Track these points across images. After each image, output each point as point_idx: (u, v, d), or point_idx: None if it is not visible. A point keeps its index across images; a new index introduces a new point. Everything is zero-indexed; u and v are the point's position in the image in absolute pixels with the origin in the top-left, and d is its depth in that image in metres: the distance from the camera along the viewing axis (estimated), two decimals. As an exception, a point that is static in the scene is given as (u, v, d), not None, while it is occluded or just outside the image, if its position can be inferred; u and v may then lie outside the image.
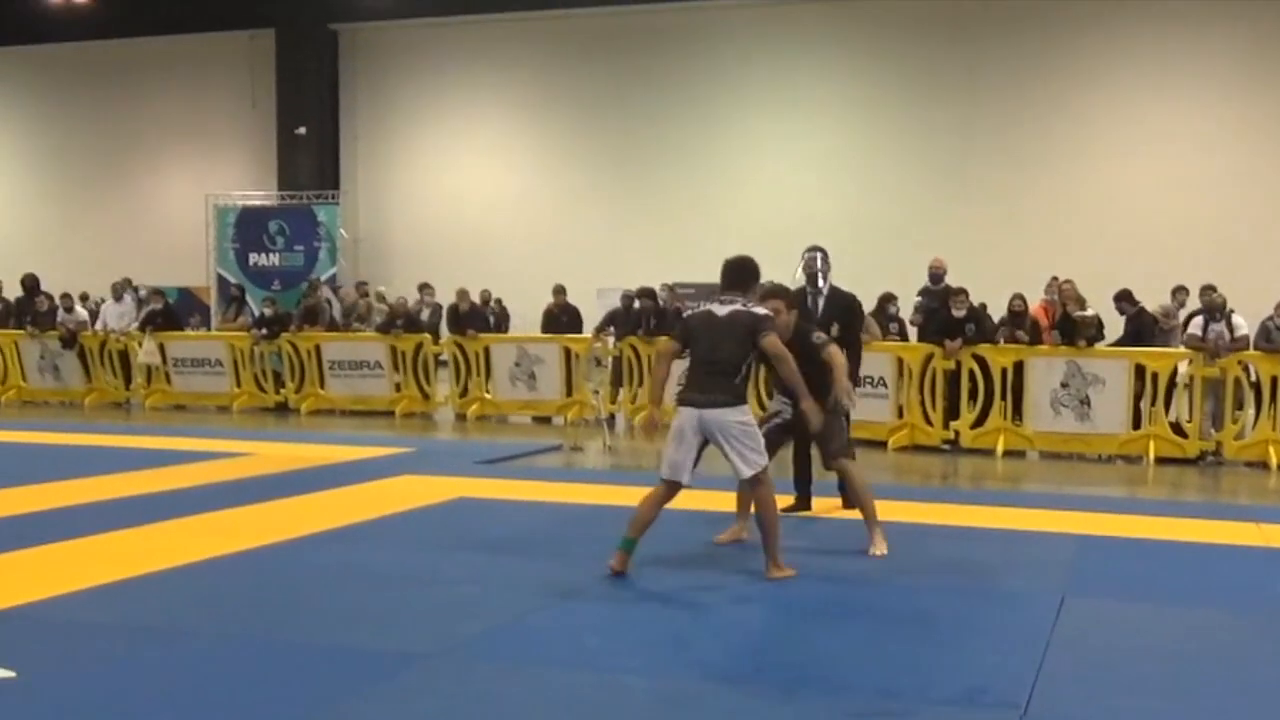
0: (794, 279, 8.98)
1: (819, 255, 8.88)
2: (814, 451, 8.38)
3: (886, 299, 14.26)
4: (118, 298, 18.16)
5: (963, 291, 13.16)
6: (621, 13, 23.80)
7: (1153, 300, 13.77)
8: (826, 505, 8.89)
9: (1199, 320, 12.71)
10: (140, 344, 17.15)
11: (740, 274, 6.82)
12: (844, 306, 8.78)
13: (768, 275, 15.47)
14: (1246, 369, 12.40)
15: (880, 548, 7.23)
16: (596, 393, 14.32)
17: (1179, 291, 13.91)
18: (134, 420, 16.21)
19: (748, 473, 6.56)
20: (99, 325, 17.91)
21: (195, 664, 5.00)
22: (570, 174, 24.31)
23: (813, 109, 23.01)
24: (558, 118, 24.44)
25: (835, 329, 8.47)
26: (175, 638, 5.36)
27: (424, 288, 17.77)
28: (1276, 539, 7.96)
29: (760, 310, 6.72)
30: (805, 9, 22.76)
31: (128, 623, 5.60)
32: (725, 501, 7.71)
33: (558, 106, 24.42)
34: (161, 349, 17.18)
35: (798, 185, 22.80)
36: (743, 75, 23.23)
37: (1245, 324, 12.64)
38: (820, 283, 8.80)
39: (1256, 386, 12.33)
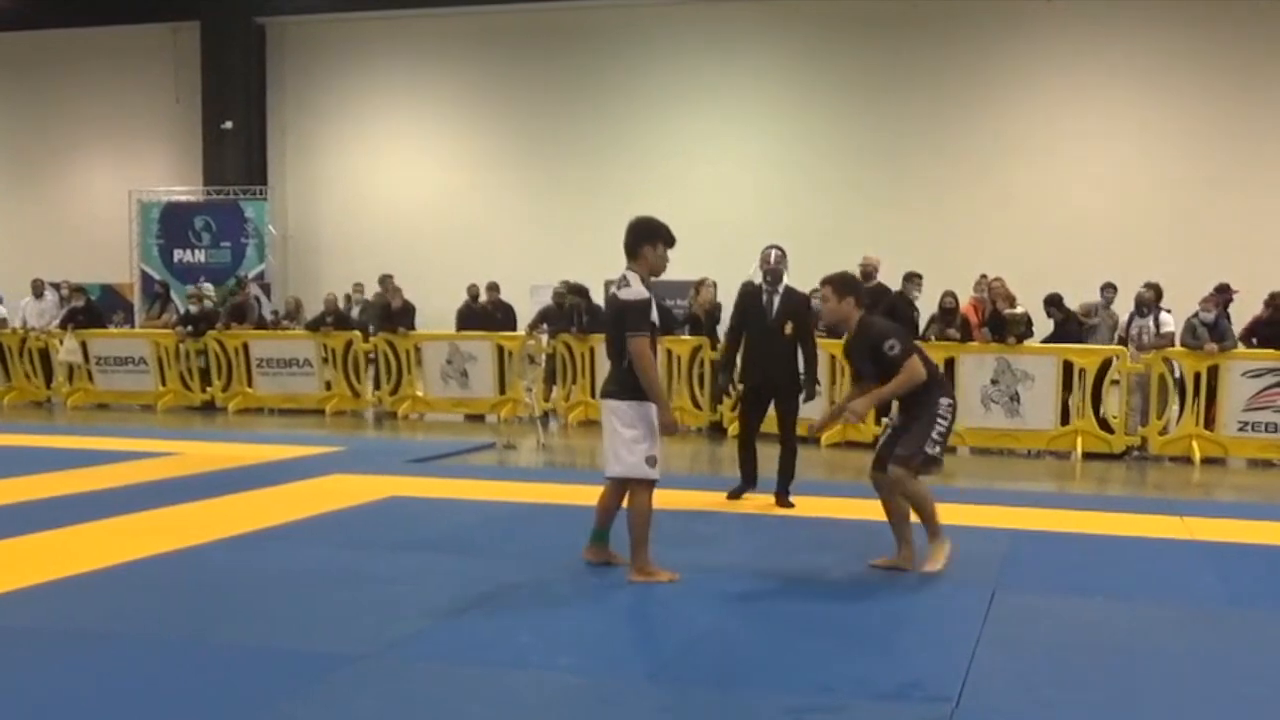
0: (750, 274, 9.02)
1: (781, 253, 8.82)
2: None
3: (814, 295, 14.34)
4: (38, 295, 17.78)
5: (917, 276, 13.35)
6: (554, 9, 23.72)
7: (1081, 298, 13.98)
8: (766, 502, 8.93)
9: (1122, 320, 12.98)
10: (61, 342, 16.80)
11: (628, 237, 6.35)
12: (799, 306, 8.84)
13: (703, 273, 15.55)
14: (1170, 365, 12.64)
15: (936, 564, 6.61)
16: (529, 390, 14.26)
17: (1107, 289, 14.12)
18: (55, 420, 15.88)
19: (612, 471, 6.31)
20: (18, 323, 17.51)
21: (122, 668, 4.88)
22: (502, 171, 24.18)
23: (744, 108, 23.08)
24: (489, 114, 24.30)
25: (790, 328, 8.63)
26: (100, 641, 5.23)
27: (383, 279, 17.15)
28: (1200, 532, 8.11)
29: (628, 295, 6.23)
30: (737, 8, 22.83)
31: (50, 627, 5.46)
32: (662, 500, 7.67)
33: (489, 103, 24.28)
34: (84, 347, 16.84)
35: (729, 184, 22.86)
36: (674, 74, 23.25)
37: (1172, 321, 12.89)
38: (778, 281, 8.78)
39: (1181, 382, 12.56)
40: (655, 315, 6.34)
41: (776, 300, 8.75)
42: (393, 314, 16.06)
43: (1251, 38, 20.83)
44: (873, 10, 22.29)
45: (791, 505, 8.78)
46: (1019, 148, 21.85)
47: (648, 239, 6.33)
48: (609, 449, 6.32)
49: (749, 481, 9.04)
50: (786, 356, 8.73)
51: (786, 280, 8.88)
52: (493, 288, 16.52)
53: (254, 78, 25.25)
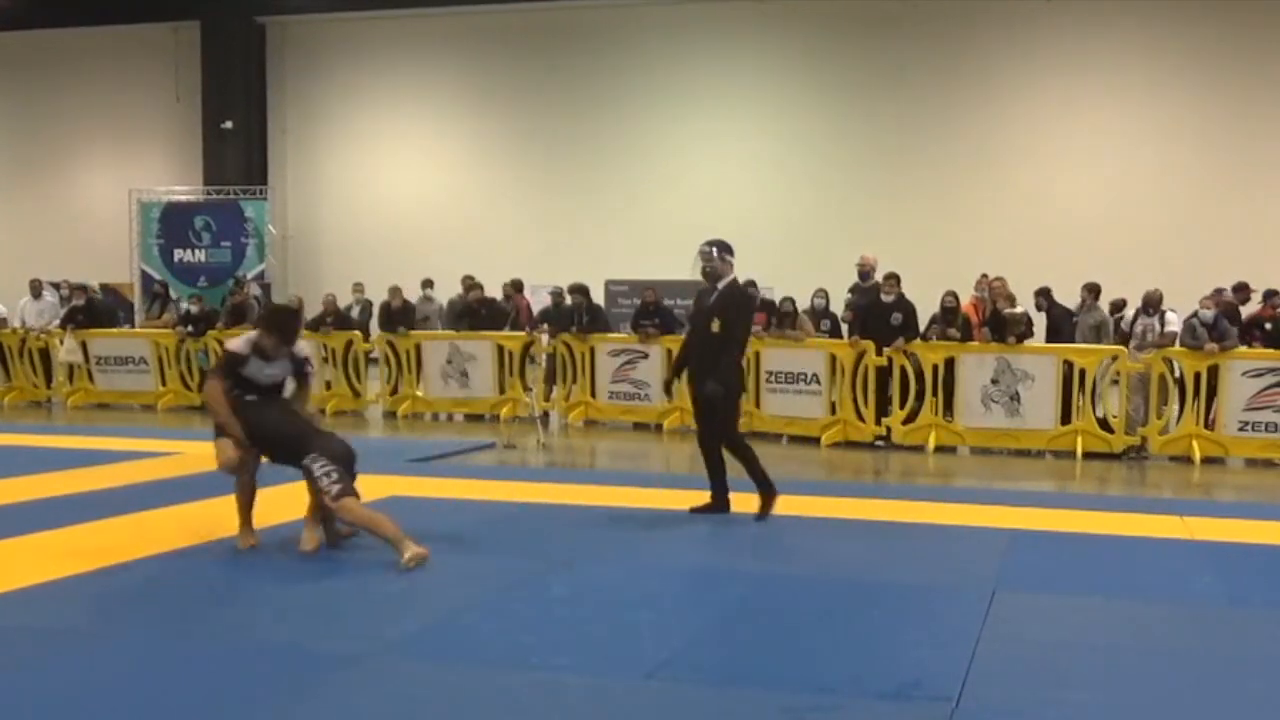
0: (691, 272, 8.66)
1: (710, 250, 8.23)
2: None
3: (816, 295, 14.35)
4: (36, 295, 17.79)
5: (892, 276, 13.25)
6: (554, 9, 23.74)
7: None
8: (746, 503, 8.90)
9: (1128, 315, 12.98)
10: (61, 341, 16.79)
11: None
12: (727, 302, 8.25)
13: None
14: (1171, 365, 12.63)
15: (409, 552, 6.60)
16: (529, 390, 14.25)
17: (1086, 289, 14.03)
18: (56, 419, 15.87)
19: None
20: (17, 323, 17.51)
21: (121, 668, 4.89)
22: (502, 170, 24.20)
23: (744, 108, 23.09)
24: (489, 114, 24.31)
25: (716, 325, 8.14)
26: (100, 641, 5.24)
27: (428, 284, 16.94)
28: (1200, 532, 8.10)
29: (231, 342, 7.35)
30: (737, 8, 22.85)
31: (51, 626, 5.46)
32: (664, 499, 7.69)
33: (489, 102, 24.30)
34: (84, 347, 16.83)
35: (730, 184, 22.88)
36: (675, 74, 23.27)
37: (1177, 320, 12.88)
38: (716, 279, 8.24)
39: (1181, 382, 12.56)
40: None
41: (713, 298, 8.27)
42: (393, 314, 16.05)
43: (1254, 36, 20.84)
44: (873, 10, 22.30)
45: (765, 517, 8.13)
46: (1019, 147, 21.86)
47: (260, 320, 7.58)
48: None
49: (716, 501, 8.24)
50: (714, 357, 8.13)
51: (733, 275, 8.27)
52: (475, 285, 16.43)
53: (254, 78, 25.27)
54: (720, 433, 8.20)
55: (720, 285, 8.23)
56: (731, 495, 8.27)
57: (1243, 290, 13.48)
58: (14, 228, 26.31)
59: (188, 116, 25.35)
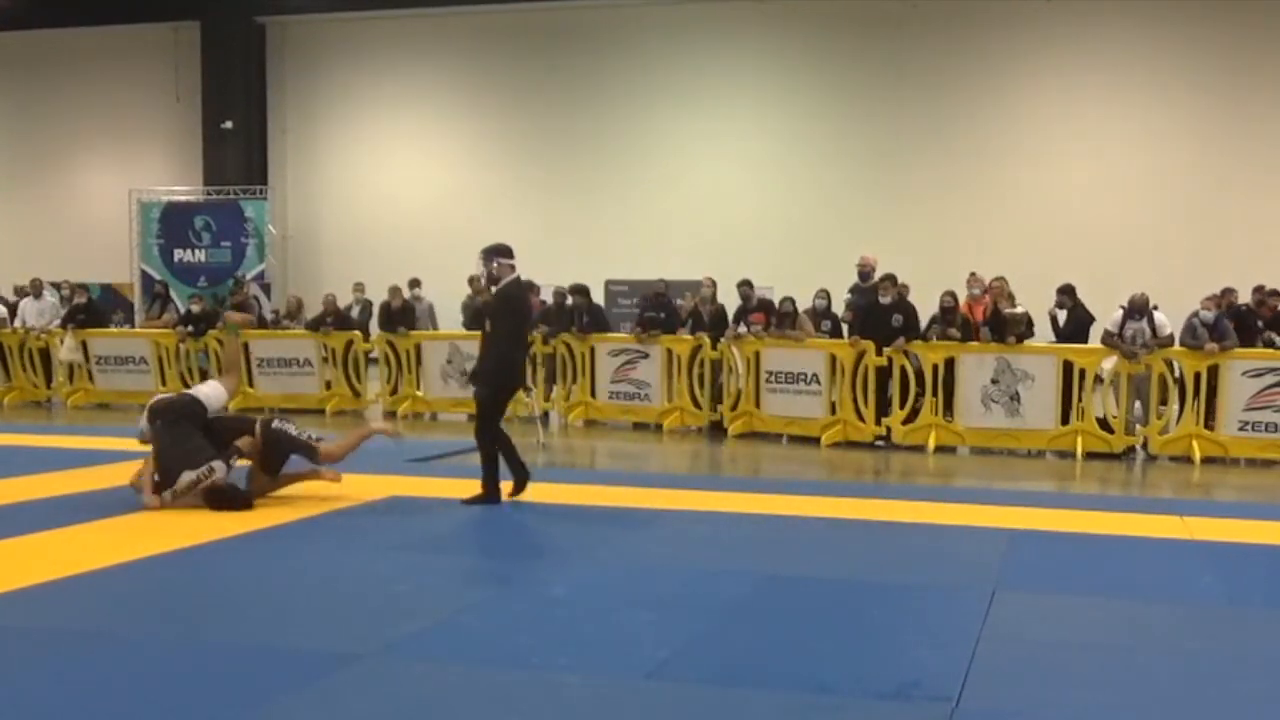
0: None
1: (483, 254, 8.76)
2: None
3: (818, 296, 14.34)
4: (36, 295, 17.78)
5: (889, 278, 13.24)
6: (554, 9, 23.73)
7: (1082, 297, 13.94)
8: (764, 501, 8.89)
9: (1117, 317, 12.91)
10: (61, 341, 16.79)
11: None
12: (496, 302, 8.81)
13: (705, 272, 15.51)
14: (1170, 365, 12.62)
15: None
16: (530, 390, 14.23)
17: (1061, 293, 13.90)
18: (56, 419, 15.87)
19: None
20: (18, 323, 17.51)
21: (121, 668, 4.88)
22: (502, 170, 24.19)
23: (744, 108, 23.08)
24: (489, 114, 24.30)
25: (488, 325, 8.77)
26: (99, 641, 5.23)
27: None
28: (1200, 532, 8.10)
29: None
30: (737, 8, 22.84)
31: (49, 627, 5.46)
32: (664, 499, 7.66)
33: (489, 102, 24.29)
34: (84, 347, 16.83)
35: (730, 184, 22.88)
36: (674, 74, 23.26)
37: (1168, 321, 12.86)
38: (495, 280, 8.72)
39: (1181, 382, 12.55)
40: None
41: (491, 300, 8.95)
42: (393, 314, 16.05)
43: (1254, 36, 20.83)
44: (873, 10, 22.29)
45: (514, 499, 8.71)
46: (1019, 147, 21.85)
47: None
48: None
49: (486, 491, 8.73)
50: (487, 355, 8.84)
51: (514, 276, 8.73)
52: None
53: (254, 78, 25.26)
54: (478, 425, 8.81)
55: (500, 287, 8.72)
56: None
57: (1259, 292, 13.48)
58: (14, 228, 26.30)
59: (188, 116, 25.34)
